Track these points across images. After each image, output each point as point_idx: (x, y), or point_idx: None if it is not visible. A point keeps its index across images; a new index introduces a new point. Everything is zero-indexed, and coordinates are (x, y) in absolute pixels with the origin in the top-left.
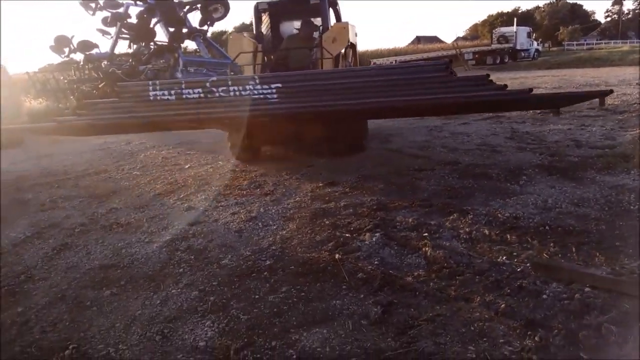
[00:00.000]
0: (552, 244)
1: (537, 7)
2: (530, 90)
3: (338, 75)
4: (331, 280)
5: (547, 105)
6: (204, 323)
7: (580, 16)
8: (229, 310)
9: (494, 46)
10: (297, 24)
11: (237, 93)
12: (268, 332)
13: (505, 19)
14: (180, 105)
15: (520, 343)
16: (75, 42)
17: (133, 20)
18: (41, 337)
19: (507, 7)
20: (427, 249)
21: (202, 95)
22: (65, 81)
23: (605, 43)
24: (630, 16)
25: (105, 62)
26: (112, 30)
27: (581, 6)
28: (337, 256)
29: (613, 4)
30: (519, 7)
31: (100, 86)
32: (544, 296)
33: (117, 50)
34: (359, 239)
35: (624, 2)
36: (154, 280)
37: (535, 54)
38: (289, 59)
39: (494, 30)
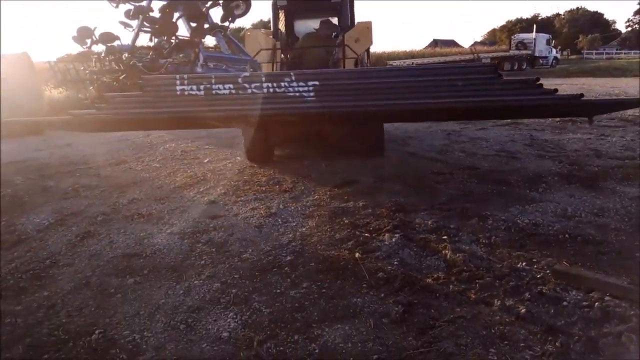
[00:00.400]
0: (572, 252)
1: (557, 15)
2: (581, 95)
3: (378, 74)
4: (352, 279)
5: (596, 111)
6: (226, 314)
7: (601, 25)
8: (251, 303)
9: (512, 52)
10: (314, 23)
11: (272, 90)
12: (290, 326)
13: (524, 25)
14: (210, 101)
15: (541, 348)
16: (97, 33)
17: (155, 14)
18: (68, 321)
19: (527, 14)
20: (446, 251)
21: (233, 91)
22: (87, 72)
23: (625, 53)
24: None
25: (127, 55)
26: (134, 23)
27: (602, 15)
28: (357, 255)
29: (635, 14)
30: (539, 14)
31: (121, 78)
32: (564, 303)
33: (138, 43)
34: (379, 239)
35: None
36: (176, 270)
37: (554, 61)
38: (306, 58)
39: (512, 36)
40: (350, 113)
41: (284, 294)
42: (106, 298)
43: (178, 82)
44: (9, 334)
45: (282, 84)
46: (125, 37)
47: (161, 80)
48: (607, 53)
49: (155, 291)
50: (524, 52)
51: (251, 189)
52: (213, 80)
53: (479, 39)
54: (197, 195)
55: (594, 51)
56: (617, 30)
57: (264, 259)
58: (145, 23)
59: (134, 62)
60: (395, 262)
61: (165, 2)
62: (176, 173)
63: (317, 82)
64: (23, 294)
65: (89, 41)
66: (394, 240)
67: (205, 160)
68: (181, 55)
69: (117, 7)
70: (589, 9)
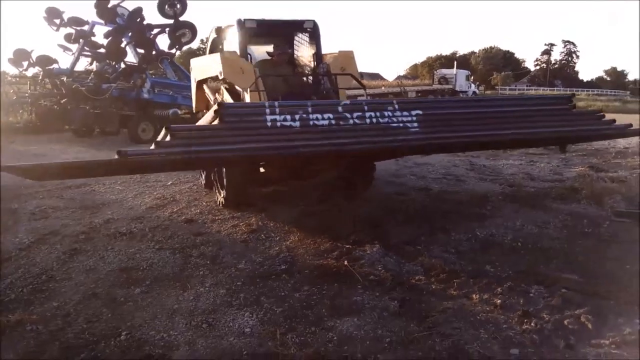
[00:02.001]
0: (526, 256)
1: (473, 52)
2: (630, 125)
3: (475, 103)
4: (347, 282)
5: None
6: (242, 314)
7: (512, 63)
8: (262, 304)
9: (435, 86)
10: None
11: (374, 120)
12: (305, 320)
13: (443, 61)
14: (308, 135)
15: (520, 327)
16: (34, 56)
17: (96, 38)
18: (89, 327)
19: (446, 51)
20: (422, 258)
21: (333, 121)
22: (26, 94)
23: (534, 90)
24: (557, 66)
25: (66, 78)
26: (74, 47)
27: (513, 54)
28: (345, 262)
29: (542, 54)
30: (457, 51)
31: (62, 102)
32: (531, 294)
33: (76, 67)
34: (361, 249)
35: (552, 53)
36: (178, 280)
37: (473, 95)
38: (284, 85)
39: (435, 71)
40: (456, 143)
41: (289, 296)
42: (118, 306)
43: (267, 110)
44: (34, 339)
45: (386, 113)
46: (63, 61)
47: (246, 109)
48: (519, 89)
49: (165, 298)
50: (446, 86)
51: (225, 208)
52: (310, 109)
53: (402, 73)
54: (174, 215)
55: (508, 87)
56: (527, 68)
57: (260, 269)
58: (86, 47)
59: (76, 85)
60: (380, 268)
61: (110, 28)
62: (143, 195)
63: (420, 112)
64: (31, 306)
65: (25, 64)
66: (375, 249)
67: (169, 183)
68: (129, 81)
69: (57, 30)
70: (501, 48)
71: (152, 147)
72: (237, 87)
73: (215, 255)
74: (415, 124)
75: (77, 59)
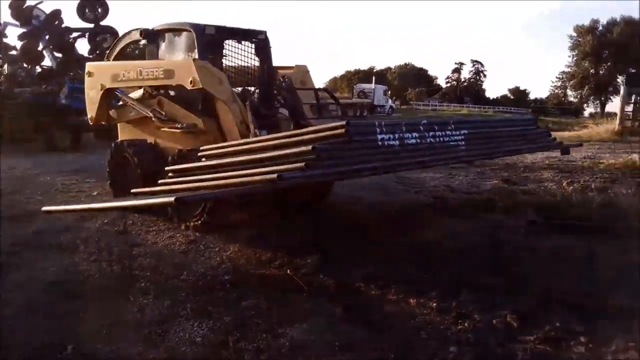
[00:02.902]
0: (467, 261)
1: (389, 68)
2: (561, 142)
3: (495, 123)
4: (292, 290)
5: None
6: (192, 324)
7: (425, 80)
8: (211, 314)
9: (354, 100)
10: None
11: (441, 139)
12: (255, 328)
13: (361, 75)
14: (405, 154)
15: (456, 327)
16: None
17: (9, 40)
18: (31, 340)
19: (364, 65)
20: (362, 265)
21: (418, 140)
22: None
23: (446, 105)
24: (466, 84)
25: None
26: None
27: (426, 71)
28: (288, 271)
29: (452, 72)
30: (374, 67)
31: None
32: (461, 299)
33: None
34: (301, 258)
35: (461, 71)
36: (120, 292)
37: (390, 110)
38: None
39: (354, 86)
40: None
41: (237, 304)
42: (60, 319)
43: (378, 129)
44: None
45: (447, 132)
46: None
47: (366, 128)
48: (432, 105)
49: (108, 311)
50: (365, 100)
51: (159, 220)
52: (404, 128)
53: (321, 86)
54: (105, 227)
55: (422, 103)
56: (439, 85)
57: (203, 279)
58: None
59: None
60: (322, 276)
61: (25, 30)
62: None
63: (466, 131)
64: None
65: None
66: (315, 258)
67: (94, 193)
68: (46, 86)
69: None
70: (415, 65)
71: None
72: (217, 98)
73: (155, 266)
74: (463, 142)
75: None
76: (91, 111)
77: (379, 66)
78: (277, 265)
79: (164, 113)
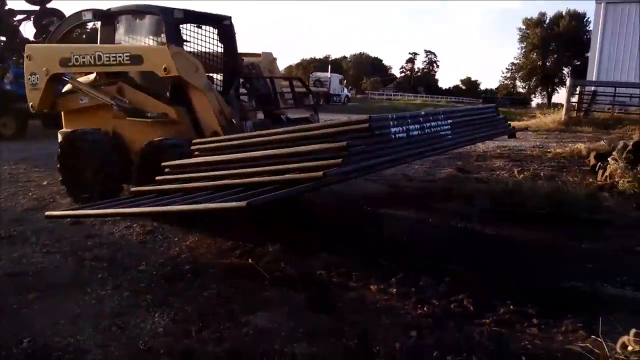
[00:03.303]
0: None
1: (345, 57)
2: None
3: (471, 112)
4: (254, 279)
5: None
6: (152, 315)
7: (380, 69)
8: (172, 304)
9: (311, 88)
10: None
11: (433, 130)
12: (219, 317)
13: (317, 64)
14: (411, 144)
15: (415, 312)
16: None
17: None
18: None
19: (319, 54)
20: (322, 254)
21: (420, 132)
22: None
23: (400, 95)
24: (419, 74)
25: None
26: None
27: (381, 60)
28: (249, 260)
29: (407, 62)
30: (330, 55)
31: None
32: (421, 283)
33: None
34: (262, 247)
35: (415, 61)
36: (75, 284)
37: (346, 99)
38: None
39: (310, 74)
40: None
41: (199, 295)
42: (13, 312)
43: (391, 123)
44: None
45: (438, 122)
46: None
47: (384, 122)
48: (386, 94)
49: (64, 303)
50: (321, 89)
51: None
52: (409, 121)
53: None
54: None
55: (377, 92)
56: (393, 75)
57: (163, 270)
58: None
59: None
60: (283, 264)
61: None
62: (17, 196)
63: (451, 120)
64: None
65: None
66: (276, 247)
67: (44, 183)
68: None
69: None
70: (370, 55)
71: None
72: (194, 86)
73: (112, 257)
74: (449, 131)
75: None
76: (33, 98)
77: (335, 55)
78: (239, 254)
79: (127, 101)
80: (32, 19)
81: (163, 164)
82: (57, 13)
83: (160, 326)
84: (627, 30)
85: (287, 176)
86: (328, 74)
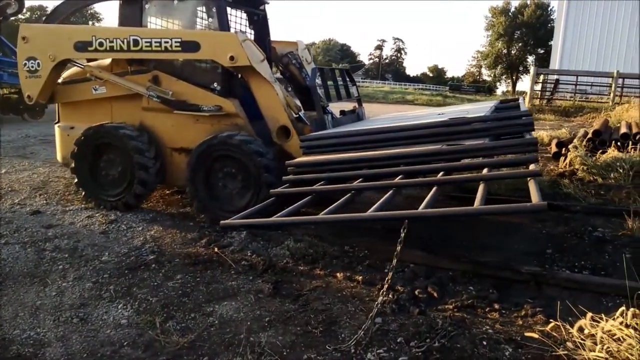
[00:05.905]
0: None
1: (313, 43)
2: None
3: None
4: (219, 268)
5: None
6: (115, 306)
7: (349, 56)
8: (136, 295)
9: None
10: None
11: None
12: (183, 307)
13: None
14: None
15: (382, 299)
16: None
17: None
18: None
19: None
20: (288, 242)
21: None
22: None
23: (368, 82)
24: (387, 61)
25: None
26: None
27: (349, 47)
28: (215, 249)
29: (375, 49)
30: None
31: None
32: (385, 270)
33: None
34: (228, 235)
35: (383, 48)
36: (35, 276)
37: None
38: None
39: None
40: None
41: (163, 285)
42: None
43: None
44: None
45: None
46: None
47: None
48: (355, 81)
49: (23, 295)
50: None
51: (75, 198)
52: None
53: None
54: (16, 207)
55: None
56: (362, 61)
57: (126, 260)
58: None
59: None
60: (249, 253)
61: None
62: None
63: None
64: None
65: None
66: (242, 236)
67: (3, 172)
68: None
69: None
70: (339, 41)
71: None
72: (262, 77)
73: (74, 248)
74: None
75: None
76: (30, 88)
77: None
78: (204, 243)
79: (170, 92)
80: None
81: (287, 162)
82: None
83: (123, 317)
84: (588, 22)
85: (498, 172)
86: None
